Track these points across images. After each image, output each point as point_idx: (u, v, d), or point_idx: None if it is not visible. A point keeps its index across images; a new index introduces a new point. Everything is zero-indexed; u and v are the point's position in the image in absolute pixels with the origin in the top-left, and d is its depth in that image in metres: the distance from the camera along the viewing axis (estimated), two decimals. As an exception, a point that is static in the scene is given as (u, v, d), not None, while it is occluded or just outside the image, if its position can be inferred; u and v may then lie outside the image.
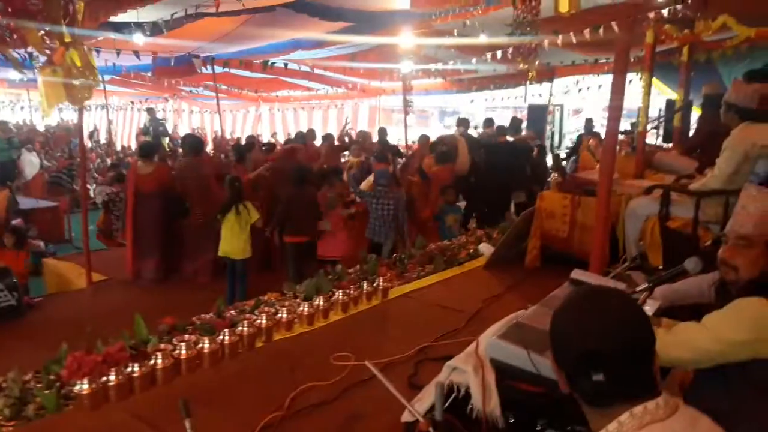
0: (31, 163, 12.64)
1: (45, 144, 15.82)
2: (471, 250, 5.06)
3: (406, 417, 2.26)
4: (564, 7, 3.78)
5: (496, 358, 2.15)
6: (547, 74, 12.11)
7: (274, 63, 9.92)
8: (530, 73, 6.07)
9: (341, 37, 8.35)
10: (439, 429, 1.83)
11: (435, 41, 8.69)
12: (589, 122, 12.48)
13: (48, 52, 3.68)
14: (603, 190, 3.52)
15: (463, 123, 9.32)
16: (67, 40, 3.71)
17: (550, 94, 13.18)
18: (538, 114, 13.60)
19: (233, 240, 5.65)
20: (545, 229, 4.49)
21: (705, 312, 2.09)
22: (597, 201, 3.63)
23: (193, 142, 7.01)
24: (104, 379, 2.50)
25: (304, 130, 10.49)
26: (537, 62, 6.20)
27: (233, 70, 10.92)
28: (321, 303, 3.46)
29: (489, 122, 10.02)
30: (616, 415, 1.13)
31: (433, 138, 8.99)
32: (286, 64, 10.32)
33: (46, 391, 2.58)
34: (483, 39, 8.19)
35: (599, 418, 1.17)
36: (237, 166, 7.10)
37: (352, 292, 3.68)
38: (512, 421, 2.07)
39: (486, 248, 4.92)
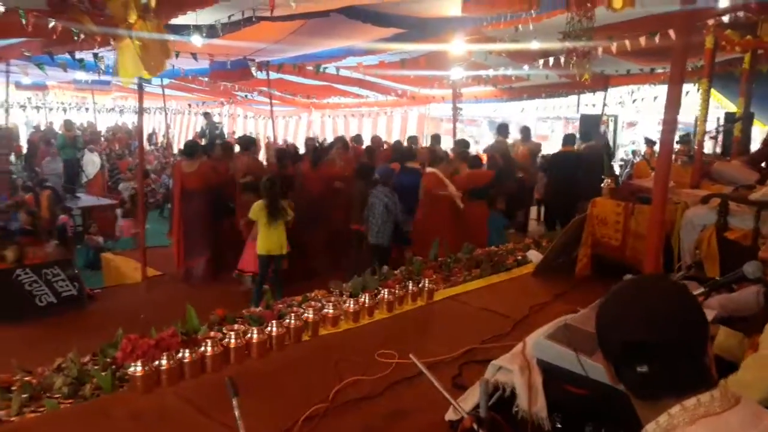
0: (92, 162, 13.22)
1: (108, 145, 16.52)
2: (519, 257, 5.00)
3: (449, 415, 2.25)
4: (618, 3, 3.69)
5: (543, 359, 2.12)
6: (601, 83, 11.82)
7: (326, 68, 10.06)
8: (584, 78, 5.93)
9: (392, 45, 8.41)
10: (483, 426, 1.81)
11: (486, 47, 8.63)
12: (649, 141, 12.25)
13: (126, 22, 3.82)
14: (658, 198, 3.43)
15: (502, 131, 9.24)
16: (142, 13, 3.85)
17: (604, 104, 12.85)
18: (591, 124, 13.27)
19: (271, 237, 5.75)
20: (597, 236, 4.39)
21: (755, 321, 2.00)
22: (652, 209, 3.53)
23: (247, 141, 7.23)
24: (156, 363, 2.59)
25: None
26: (590, 67, 6.07)
27: (286, 76, 11.13)
28: (367, 300, 3.48)
29: (503, 129, 9.84)
30: (666, 407, 1.08)
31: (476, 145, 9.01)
32: (337, 70, 10.45)
33: (103, 373, 2.69)
34: (535, 45, 8.08)
35: (648, 411, 1.12)
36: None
37: (397, 291, 3.68)
38: (559, 424, 2.03)
39: (534, 255, 4.85)
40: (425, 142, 11.70)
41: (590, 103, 14.10)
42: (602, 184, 4.62)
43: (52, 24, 4.67)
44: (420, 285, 3.84)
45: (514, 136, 10.38)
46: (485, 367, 2.26)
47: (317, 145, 10.82)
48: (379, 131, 17.74)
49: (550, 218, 8.51)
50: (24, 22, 4.54)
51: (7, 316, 4.94)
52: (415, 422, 2.40)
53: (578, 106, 14.48)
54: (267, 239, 5.72)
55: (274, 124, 14.47)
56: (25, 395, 2.65)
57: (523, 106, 17.24)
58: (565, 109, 16.21)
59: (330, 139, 18.93)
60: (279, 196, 5.75)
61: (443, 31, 7.92)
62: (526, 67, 9.91)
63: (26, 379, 2.86)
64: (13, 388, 2.76)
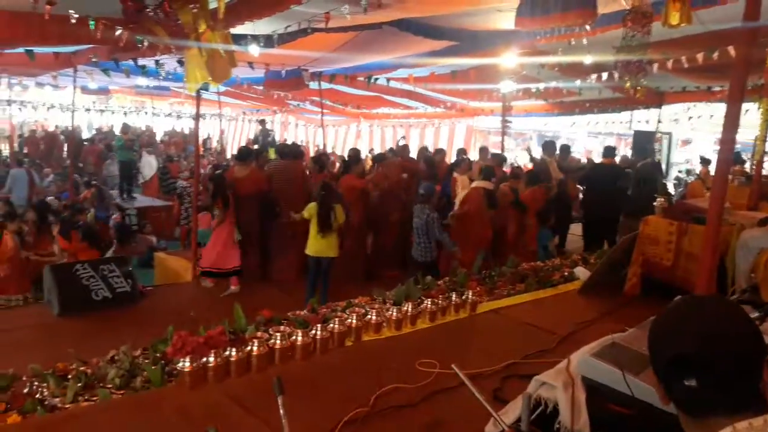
0: (149, 164, 13.70)
1: (165, 149, 17.14)
2: (565, 273, 4.92)
3: (489, 428, 2.24)
4: (674, 19, 3.61)
5: (588, 376, 2.09)
6: (656, 100, 11.55)
7: (377, 79, 10.18)
8: (637, 93, 5.81)
9: (442, 59, 8.46)
10: (524, 440, 1.80)
11: (539, 60, 8.57)
12: (704, 160, 11.87)
13: (196, 31, 3.99)
14: (713, 218, 3.33)
15: (548, 147, 9.11)
16: (210, 23, 4.04)
17: (658, 121, 12.53)
18: (644, 141, 12.94)
19: (320, 240, 5.83)
20: (648, 255, 4.28)
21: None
22: (706, 229, 3.43)
23: (293, 149, 7.39)
24: (204, 359, 2.67)
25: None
26: (645, 82, 5.94)
27: (338, 86, 11.32)
28: (410, 309, 3.50)
29: (550, 147, 9.64)
30: (716, 428, 1.06)
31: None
32: (388, 81, 10.56)
33: (153, 367, 2.80)
34: (589, 59, 7.98)
35: (696, 429, 1.11)
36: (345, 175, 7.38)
37: (440, 302, 3.69)
38: (601, 444, 2.00)
39: (582, 272, 4.77)
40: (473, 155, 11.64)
41: (644, 119, 13.79)
42: (655, 203, 4.51)
43: (118, 32, 4.93)
44: (463, 297, 3.83)
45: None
46: (527, 382, 2.23)
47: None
48: (426, 142, 17.78)
49: (588, 232, 8.29)
50: (93, 29, 4.80)
51: (65, 308, 5.18)
52: (454, 432, 2.40)
53: (631, 122, 14.17)
54: (316, 241, 5.84)
55: (324, 132, 14.70)
56: (79, 384, 2.78)
57: (573, 121, 17.00)
58: (617, 125, 15.87)
59: (378, 149, 19.14)
60: (331, 202, 5.85)
61: (495, 44, 7.91)
62: (578, 81, 9.79)
63: (81, 368, 3.00)
64: (69, 376, 2.91)
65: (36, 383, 2.86)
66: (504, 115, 11.44)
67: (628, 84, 6.10)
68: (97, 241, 6.97)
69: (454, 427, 2.42)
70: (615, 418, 1.96)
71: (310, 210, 5.84)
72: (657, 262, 4.26)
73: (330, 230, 5.79)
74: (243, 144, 17.99)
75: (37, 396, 2.74)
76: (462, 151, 10.70)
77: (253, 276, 6.66)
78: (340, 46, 7.72)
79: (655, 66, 7.08)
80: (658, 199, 4.57)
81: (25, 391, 2.79)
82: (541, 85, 10.90)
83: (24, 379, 2.91)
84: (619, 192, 7.89)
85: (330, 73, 9.91)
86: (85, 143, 16.79)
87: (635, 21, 4.65)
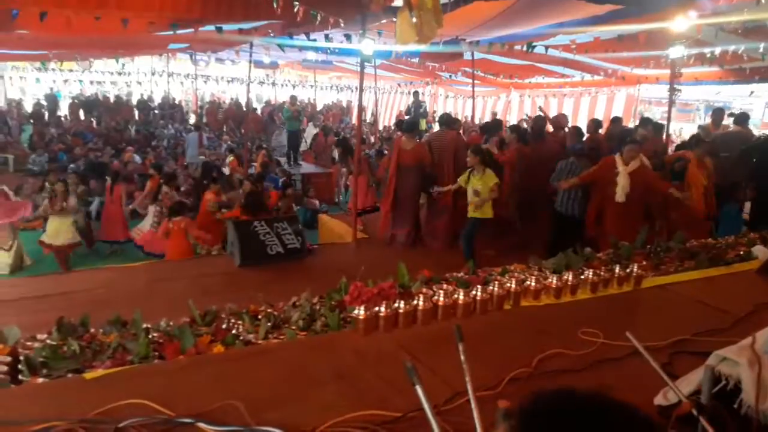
0: (313, 135, 14.64)
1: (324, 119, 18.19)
2: (741, 252, 4.54)
3: (659, 400, 2.20)
4: None
5: (777, 355, 1.99)
6: None
7: (535, 46, 9.89)
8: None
9: (605, 26, 7.99)
10: (705, 414, 1.75)
11: (718, 20, 7.78)
12: None
13: None
14: None
15: (741, 118, 8.24)
16: None
17: None
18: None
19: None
20: None
21: None
22: None
23: (447, 118, 7.52)
24: (376, 309, 2.90)
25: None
26: None
27: (491, 56, 11.17)
28: (570, 279, 3.48)
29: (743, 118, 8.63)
30: None
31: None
32: (546, 49, 10.20)
33: (331, 312, 3.10)
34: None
35: None
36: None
37: (603, 273, 3.61)
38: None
39: (762, 251, 4.37)
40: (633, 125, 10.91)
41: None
42: None
43: (296, 8, 5.33)
44: (628, 270, 3.72)
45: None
46: (698, 359, 2.17)
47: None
48: (581, 113, 16.98)
49: (754, 214, 7.44)
50: (275, 5, 5.24)
51: (246, 259, 5.86)
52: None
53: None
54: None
55: (474, 103, 14.62)
56: (269, 324, 3.17)
57: (752, 89, 15.22)
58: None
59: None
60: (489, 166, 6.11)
61: (667, 5, 7.31)
62: (762, 45, 8.72)
63: (269, 310, 3.41)
64: (260, 317, 3.32)
65: (233, 320, 3.31)
66: (672, 82, 10.54)
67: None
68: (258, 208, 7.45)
69: (621, 395, 2.38)
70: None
71: (463, 178, 6.01)
72: None
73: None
74: (395, 116, 18.43)
75: (234, 331, 3.17)
76: (617, 120, 10.03)
77: (407, 241, 6.95)
78: (500, 13, 7.61)
79: None
80: None
81: (224, 326, 3.24)
82: (717, 49, 9.85)
83: (223, 316, 3.37)
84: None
85: (487, 42, 9.80)
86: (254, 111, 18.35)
87: None
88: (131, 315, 3.17)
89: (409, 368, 1.49)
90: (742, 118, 8.42)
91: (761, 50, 9.10)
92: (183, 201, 7.94)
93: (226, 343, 2.96)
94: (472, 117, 15.80)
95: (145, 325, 3.10)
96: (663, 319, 3.28)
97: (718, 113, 8.63)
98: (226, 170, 10.69)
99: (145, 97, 21.62)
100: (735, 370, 2.04)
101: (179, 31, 7.41)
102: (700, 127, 8.90)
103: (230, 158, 11.55)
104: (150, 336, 3.01)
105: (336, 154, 11.43)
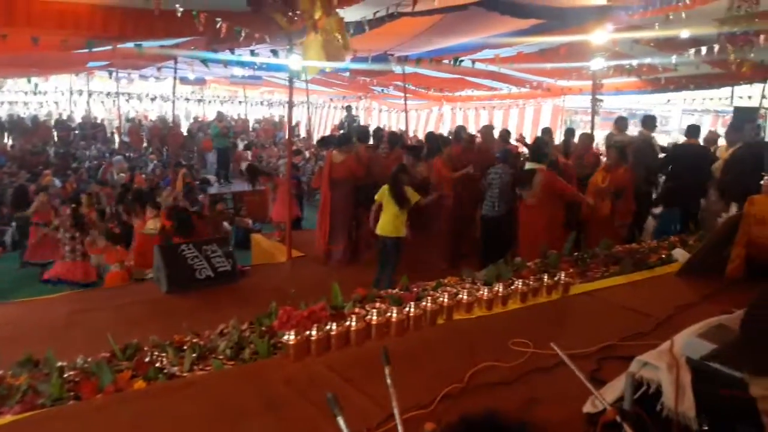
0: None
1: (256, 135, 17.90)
2: (663, 255, 4.74)
3: (587, 407, 2.23)
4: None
5: (694, 357, 2.05)
6: (760, 74, 10.72)
7: (462, 61, 10.12)
8: (743, 67, 5.44)
9: (529, 39, 8.25)
10: (628, 420, 1.79)
11: (633, 35, 8.19)
12: None
13: (312, 17, 4.20)
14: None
15: (648, 122, 8.70)
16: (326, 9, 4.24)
17: (762, 96, 11.62)
18: (745, 118, 12.07)
19: (386, 220, 6.03)
20: (753, 236, 4.05)
21: None
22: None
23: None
24: (307, 333, 2.82)
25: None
26: (752, 55, 5.55)
27: (421, 70, 11.34)
28: (500, 290, 3.51)
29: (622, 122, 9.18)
30: None
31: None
32: (473, 63, 10.46)
33: (260, 339, 2.99)
34: (686, 33, 7.56)
35: None
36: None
37: (532, 283, 3.68)
38: (706, 425, 1.95)
39: (681, 254, 4.58)
40: (559, 136, 11.33)
41: (746, 95, 12.86)
42: (762, 181, 4.25)
43: (219, 24, 5.22)
44: (555, 278, 3.80)
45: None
46: (624, 364, 2.21)
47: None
48: (511, 124, 17.46)
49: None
50: (197, 22, 5.11)
51: (173, 285, 5.61)
52: (551, 411, 2.40)
53: (732, 98, 13.26)
54: (382, 221, 6.06)
55: (407, 117, 14.78)
56: (194, 354, 3.02)
57: (668, 98, 16.15)
58: (716, 101, 14.90)
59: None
60: (401, 183, 6.01)
61: (585, 20, 7.64)
62: (674, 56, 9.27)
63: (195, 340, 3.25)
64: (185, 347, 3.16)
65: (156, 353, 3.14)
66: (594, 93, 11.02)
67: (732, 57, 5.73)
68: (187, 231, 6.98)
69: (551, 406, 2.43)
70: (723, 401, 1.91)
71: (381, 193, 6.02)
72: (763, 243, 4.02)
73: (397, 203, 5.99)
74: (329, 130, 18.39)
75: (158, 364, 3.00)
76: (547, 131, 10.42)
77: (343, 257, 6.89)
78: (426, 29, 7.72)
79: (762, 37, 6.58)
80: (765, 177, 4.30)
81: (147, 360, 3.06)
82: (635, 62, 10.42)
83: (145, 349, 3.19)
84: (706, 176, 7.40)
85: (415, 56, 9.95)
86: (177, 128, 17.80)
87: (744, -11, 4.36)
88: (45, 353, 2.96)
89: (330, 399, 1.46)
90: (622, 123, 8.96)
91: (674, 62, 9.65)
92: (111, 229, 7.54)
93: (147, 377, 2.79)
94: (406, 130, 15.97)
95: (59, 363, 2.89)
96: (591, 326, 3.36)
97: (620, 121, 9.11)
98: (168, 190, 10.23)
99: (64, 117, 20.69)
100: (656, 374, 2.10)
101: (95, 49, 7.12)
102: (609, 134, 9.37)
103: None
104: (65, 375, 2.80)
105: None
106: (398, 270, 5.98)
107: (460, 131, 8.84)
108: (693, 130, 8.11)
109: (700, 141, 8.64)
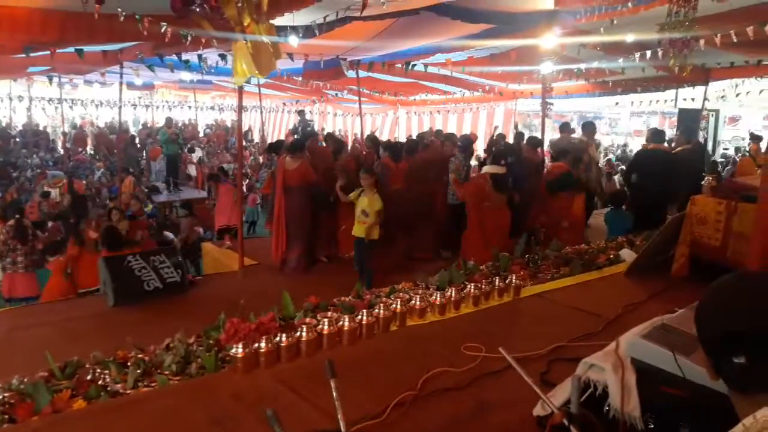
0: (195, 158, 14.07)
1: (208, 141, 17.52)
2: (611, 256, 4.85)
3: (537, 410, 2.25)
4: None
5: (638, 358, 2.08)
6: (702, 76, 11.17)
7: (414, 65, 10.16)
8: (683, 71, 5.63)
9: (481, 42, 8.35)
10: (575, 422, 1.79)
11: (579, 40, 8.39)
12: (754, 136, 11.42)
13: (241, 24, 4.11)
14: (766, 196, 3.22)
15: (587, 127, 8.93)
16: (254, 16, 4.15)
17: (705, 99, 12.10)
18: (690, 120, 12.54)
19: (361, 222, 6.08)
20: (695, 236, 4.18)
21: None
22: (757, 208, 3.33)
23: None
24: (256, 345, 2.75)
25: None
26: (690, 59, 5.75)
27: (375, 74, 11.34)
28: (453, 294, 3.52)
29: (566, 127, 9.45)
30: (766, 404, 1.06)
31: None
32: (425, 67, 10.53)
33: (207, 353, 2.90)
34: (631, 37, 7.78)
35: (746, 405, 1.10)
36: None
37: (483, 286, 3.69)
38: (652, 425, 1.99)
39: (628, 254, 4.69)
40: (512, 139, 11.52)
41: (689, 97, 13.37)
42: (703, 182, 4.40)
43: (163, 28, 5.07)
44: (507, 281, 3.83)
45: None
46: (574, 365, 2.23)
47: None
48: (465, 127, 17.66)
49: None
50: (140, 26, 4.95)
51: (119, 298, 5.40)
52: (502, 415, 2.41)
53: (676, 100, 13.76)
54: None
55: (362, 121, 14.75)
56: (138, 371, 2.90)
57: (616, 101, 16.64)
58: (662, 103, 15.44)
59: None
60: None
61: (534, 25, 7.78)
62: (620, 60, 9.55)
63: (139, 356, 3.13)
64: (129, 363, 3.03)
65: (98, 370, 3.00)
66: (544, 97, 11.24)
67: (672, 62, 5.92)
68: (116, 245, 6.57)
69: (502, 410, 2.44)
70: (666, 399, 1.95)
71: (353, 195, 6.05)
72: (705, 243, 4.16)
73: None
74: (283, 135, 18.20)
75: (100, 382, 2.87)
76: (501, 136, 10.61)
77: (299, 264, 6.79)
78: (378, 33, 7.72)
79: (702, 42, 6.84)
80: (706, 178, 4.45)
81: (89, 377, 2.92)
82: (583, 66, 10.69)
83: (87, 366, 3.05)
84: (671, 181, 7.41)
85: (368, 61, 9.94)
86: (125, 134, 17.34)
87: (681, -5, 4.51)
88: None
89: (270, 416, 1.41)
90: (565, 128, 9.21)
91: (621, 65, 9.95)
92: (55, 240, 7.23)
93: (88, 396, 2.67)
94: (362, 134, 15.94)
95: (-6, 385, 2.73)
96: (541, 327, 3.40)
97: (564, 126, 9.36)
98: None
99: (3, 124, 19.82)
100: (602, 375, 2.12)
101: (33, 54, 6.83)
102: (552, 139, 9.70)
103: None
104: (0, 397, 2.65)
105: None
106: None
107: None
108: (657, 135, 8.04)
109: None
